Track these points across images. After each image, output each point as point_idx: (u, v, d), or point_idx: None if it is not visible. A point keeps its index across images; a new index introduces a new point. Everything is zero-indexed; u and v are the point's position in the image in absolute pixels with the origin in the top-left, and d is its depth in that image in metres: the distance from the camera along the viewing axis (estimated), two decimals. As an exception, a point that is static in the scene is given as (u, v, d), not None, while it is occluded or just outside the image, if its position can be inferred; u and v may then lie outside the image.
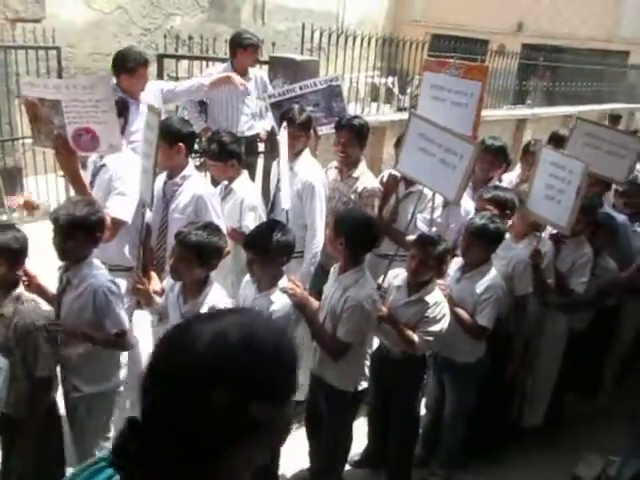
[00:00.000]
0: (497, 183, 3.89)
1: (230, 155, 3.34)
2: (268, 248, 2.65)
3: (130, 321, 3.20)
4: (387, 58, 7.00)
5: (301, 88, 3.90)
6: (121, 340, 2.58)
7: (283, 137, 3.14)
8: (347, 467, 3.32)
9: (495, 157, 3.90)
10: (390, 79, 10.48)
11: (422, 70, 3.57)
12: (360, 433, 3.36)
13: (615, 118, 5.72)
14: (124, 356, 2.76)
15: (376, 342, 3.23)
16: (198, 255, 2.52)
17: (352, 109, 6.21)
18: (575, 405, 3.97)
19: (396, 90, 9.87)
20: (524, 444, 3.64)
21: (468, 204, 3.62)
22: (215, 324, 0.96)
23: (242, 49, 4.75)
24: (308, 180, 3.47)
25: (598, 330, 3.60)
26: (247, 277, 2.84)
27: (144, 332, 3.45)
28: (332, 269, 2.96)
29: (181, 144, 3.12)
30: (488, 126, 7.49)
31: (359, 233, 2.73)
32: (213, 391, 0.89)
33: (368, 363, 2.95)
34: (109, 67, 4.28)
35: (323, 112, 3.89)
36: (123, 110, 3.10)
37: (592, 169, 3.68)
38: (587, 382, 3.87)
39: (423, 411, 3.39)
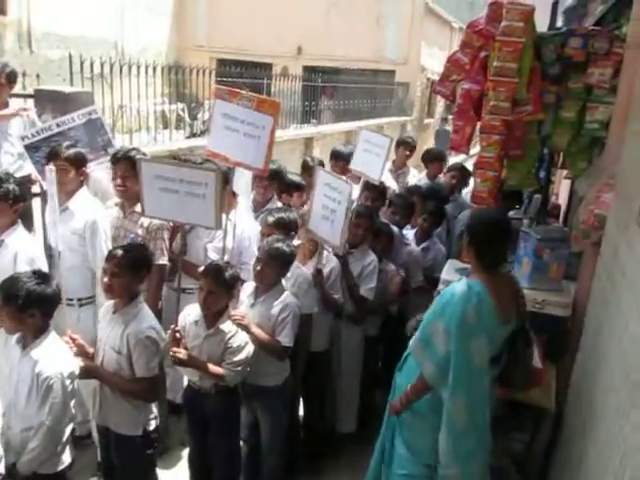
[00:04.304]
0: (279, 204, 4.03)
1: None
2: (16, 298, 2.39)
3: None
4: (174, 84, 6.89)
5: (58, 125, 3.60)
6: None
7: (49, 177, 2.86)
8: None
9: (271, 180, 4.03)
10: (179, 105, 10.35)
11: (213, 97, 3.51)
12: (182, 475, 3.26)
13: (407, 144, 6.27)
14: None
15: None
16: None
17: (141, 138, 6.03)
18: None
19: (186, 116, 9.78)
20: (342, 450, 3.79)
21: (246, 225, 3.67)
22: None
23: None
24: (89, 218, 3.26)
25: (389, 331, 3.88)
26: (15, 337, 2.52)
27: None
28: (103, 309, 2.85)
29: None
30: (277, 147, 7.77)
31: (126, 267, 2.64)
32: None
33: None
34: None
35: (87, 148, 3.63)
36: None
37: (363, 171, 4.04)
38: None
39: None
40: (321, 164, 4.80)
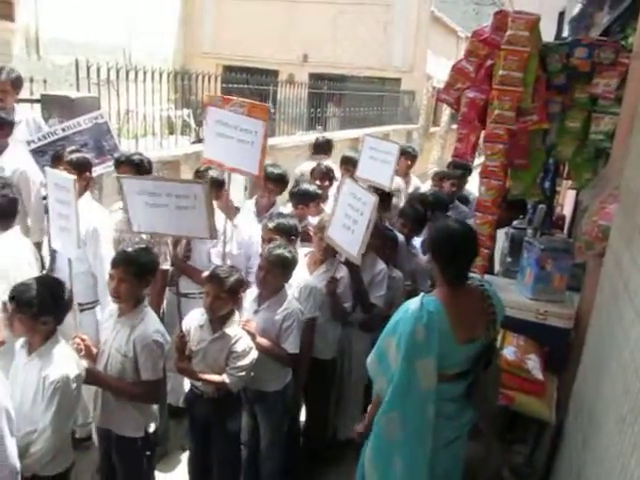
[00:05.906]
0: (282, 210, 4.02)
1: None
2: (30, 305, 2.39)
3: None
4: (181, 90, 6.92)
5: (64, 130, 3.64)
6: None
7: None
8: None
9: (275, 184, 4.04)
10: (185, 111, 10.39)
11: (204, 105, 3.52)
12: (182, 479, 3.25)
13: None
14: None
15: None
16: None
17: (146, 144, 6.05)
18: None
19: (192, 122, 9.82)
20: (343, 456, 3.77)
21: (253, 230, 3.66)
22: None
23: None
24: (90, 225, 3.26)
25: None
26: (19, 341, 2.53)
27: None
28: (106, 311, 2.89)
29: None
30: (283, 152, 7.82)
31: (133, 272, 2.64)
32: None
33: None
34: None
35: (93, 152, 3.65)
36: None
37: (371, 178, 4.01)
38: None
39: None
40: (330, 171, 4.81)
